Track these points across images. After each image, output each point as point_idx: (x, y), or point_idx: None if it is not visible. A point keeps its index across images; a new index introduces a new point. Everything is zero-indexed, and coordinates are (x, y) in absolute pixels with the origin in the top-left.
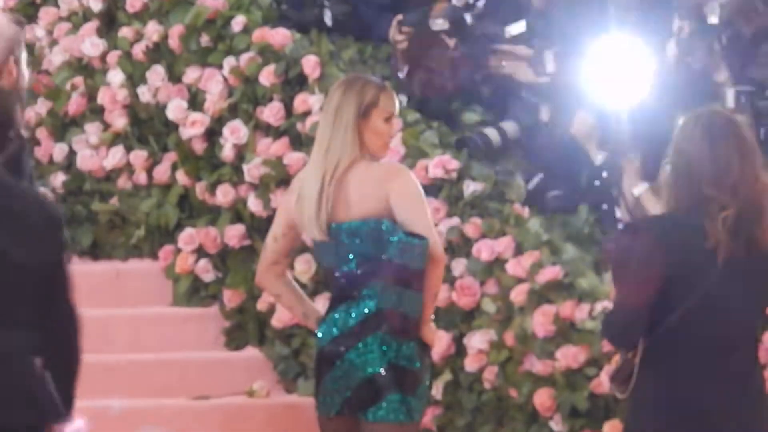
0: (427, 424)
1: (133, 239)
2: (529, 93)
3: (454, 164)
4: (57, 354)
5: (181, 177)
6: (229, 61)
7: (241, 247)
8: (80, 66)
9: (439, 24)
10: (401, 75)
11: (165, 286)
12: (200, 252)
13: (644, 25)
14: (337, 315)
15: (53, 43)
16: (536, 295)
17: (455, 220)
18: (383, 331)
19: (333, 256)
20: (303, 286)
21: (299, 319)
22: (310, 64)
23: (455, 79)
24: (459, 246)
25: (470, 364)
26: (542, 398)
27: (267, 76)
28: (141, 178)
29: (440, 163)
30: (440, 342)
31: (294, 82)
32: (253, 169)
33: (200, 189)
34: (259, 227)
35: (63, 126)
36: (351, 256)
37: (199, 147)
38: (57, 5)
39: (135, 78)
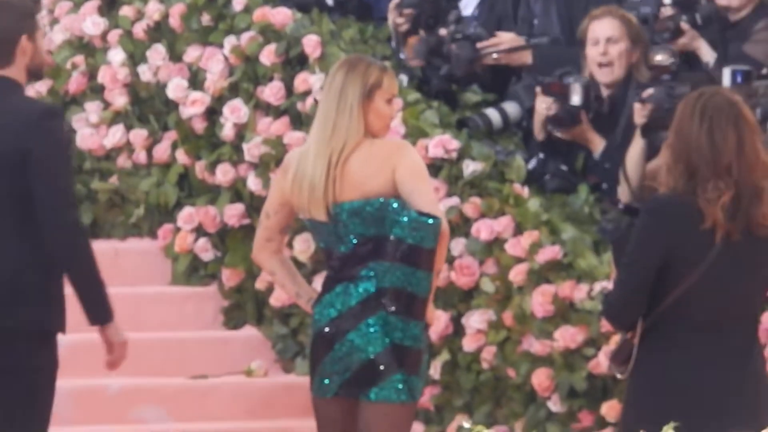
0: (424, 403)
1: (133, 218)
2: (530, 75)
3: (454, 144)
4: (66, 268)
5: (181, 156)
6: (229, 41)
7: (241, 226)
8: (81, 45)
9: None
10: (402, 56)
11: (164, 265)
12: (199, 231)
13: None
14: (334, 296)
15: (54, 21)
16: (535, 275)
17: (455, 200)
18: (388, 311)
19: (332, 236)
20: (302, 265)
21: (292, 297)
22: (310, 44)
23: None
24: (458, 225)
25: (468, 344)
26: (540, 378)
27: (268, 56)
28: (141, 157)
29: (440, 143)
30: (438, 321)
31: (294, 62)
32: (253, 149)
33: (200, 168)
34: (258, 206)
35: (63, 105)
36: (351, 237)
37: (199, 126)
38: None
39: (136, 57)
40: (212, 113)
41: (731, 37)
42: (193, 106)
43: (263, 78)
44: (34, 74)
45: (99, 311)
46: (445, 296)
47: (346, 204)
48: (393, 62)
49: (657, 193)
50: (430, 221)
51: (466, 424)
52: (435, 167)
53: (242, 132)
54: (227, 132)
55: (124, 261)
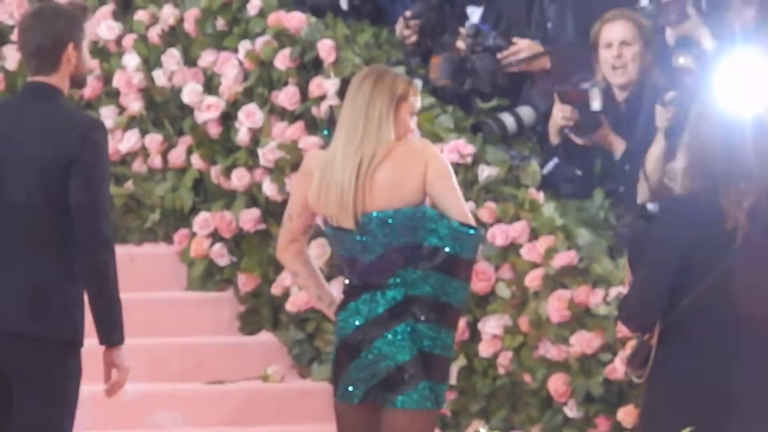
0: (441, 409)
1: (148, 223)
2: (545, 78)
3: (469, 149)
4: (90, 282)
5: (196, 161)
6: (244, 45)
7: (256, 231)
8: (96, 49)
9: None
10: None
11: (180, 271)
12: (215, 236)
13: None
14: (360, 303)
15: None
16: (551, 280)
17: (470, 205)
18: (420, 320)
19: (357, 245)
20: None
21: (313, 300)
22: (325, 48)
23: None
24: None
25: (485, 350)
26: (556, 384)
27: (282, 60)
28: (156, 161)
29: (455, 148)
30: None
31: (309, 66)
32: (268, 153)
33: (215, 173)
34: (274, 211)
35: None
36: (378, 246)
37: (214, 131)
38: None
39: (150, 61)
40: (227, 118)
41: None
42: (208, 111)
43: (278, 82)
44: (78, 83)
45: (112, 331)
46: None
47: (375, 213)
48: (406, 67)
49: (675, 193)
50: (471, 232)
51: (483, 430)
52: None
53: (257, 137)
54: (242, 137)
55: (139, 266)
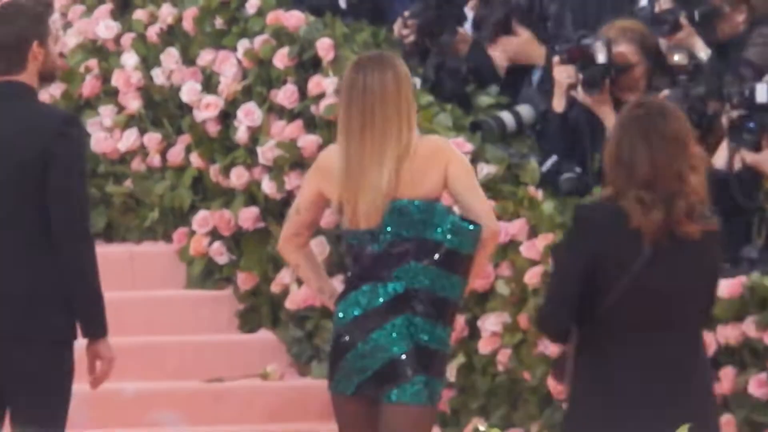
0: (441, 406)
1: (147, 222)
2: (545, 77)
3: (468, 147)
4: (70, 276)
5: (195, 159)
6: (243, 44)
7: (255, 230)
8: (94, 48)
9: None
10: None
11: (179, 269)
12: (214, 234)
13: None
14: (360, 294)
15: (67, 25)
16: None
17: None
18: (417, 314)
19: (366, 234)
20: None
21: (314, 292)
22: (324, 47)
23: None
24: None
25: (484, 347)
26: None
27: (281, 59)
28: (155, 160)
29: (454, 146)
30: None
31: (308, 65)
32: (267, 152)
33: (214, 171)
34: (273, 210)
35: (77, 108)
36: (386, 236)
37: (213, 129)
38: None
39: (149, 60)
40: (226, 117)
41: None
42: (206, 110)
43: (276, 81)
44: (46, 78)
45: (94, 324)
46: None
47: (396, 202)
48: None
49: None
50: (471, 227)
51: (482, 427)
52: None
53: (256, 135)
54: (241, 135)
55: (138, 265)
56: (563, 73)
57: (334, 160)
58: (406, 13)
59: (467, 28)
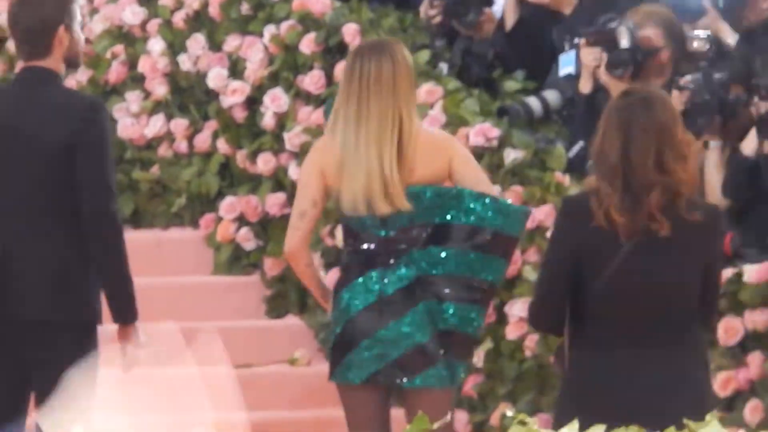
0: (468, 392)
1: (174, 208)
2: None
3: (495, 132)
4: (100, 261)
5: (222, 145)
6: (269, 29)
7: (282, 215)
8: (120, 34)
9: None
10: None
11: (206, 255)
12: (241, 220)
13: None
14: (369, 281)
15: (93, 11)
16: None
17: (496, 188)
18: (444, 298)
19: (371, 219)
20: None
21: (318, 298)
22: (350, 32)
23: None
24: None
25: (511, 332)
26: None
27: (307, 44)
28: (182, 146)
29: (481, 131)
30: None
31: (334, 50)
32: (293, 138)
33: (241, 157)
34: None
35: (104, 94)
36: (400, 220)
37: (239, 115)
38: None
39: (175, 46)
40: (252, 102)
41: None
42: (233, 96)
43: (303, 67)
44: (72, 64)
45: (125, 309)
46: None
47: (411, 187)
48: (432, 51)
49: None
50: (517, 208)
51: (510, 413)
52: (476, 155)
53: (283, 121)
54: (268, 121)
55: (166, 251)
56: (590, 56)
57: (331, 149)
58: None
59: (495, 10)
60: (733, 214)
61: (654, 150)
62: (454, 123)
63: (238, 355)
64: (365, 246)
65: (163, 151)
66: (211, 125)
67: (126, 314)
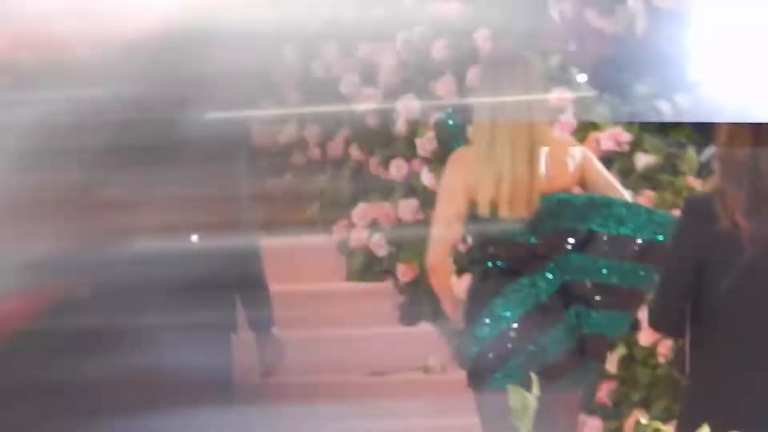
0: (602, 398)
1: (308, 214)
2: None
3: (626, 136)
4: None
5: (355, 152)
6: (401, 35)
7: (415, 221)
8: None
9: None
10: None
11: (339, 262)
12: (374, 227)
13: None
14: (521, 288)
15: None
16: None
17: (628, 193)
18: (590, 305)
19: (518, 225)
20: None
21: (449, 303)
22: (481, 37)
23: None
24: None
25: (644, 338)
26: None
27: (438, 50)
28: (315, 153)
29: (612, 136)
30: None
31: (465, 56)
32: (426, 144)
33: (374, 164)
34: (432, 201)
35: None
36: (545, 228)
37: (372, 122)
38: None
39: (308, 52)
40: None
41: None
42: (365, 102)
43: (435, 72)
44: None
45: (262, 317)
46: None
47: (549, 195)
48: (562, 56)
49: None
50: (670, 218)
51: (644, 420)
52: (607, 160)
53: (415, 127)
54: (400, 127)
55: (299, 258)
56: None
57: (471, 158)
58: None
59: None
60: None
61: None
62: (585, 127)
63: (371, 362)
64: (514, 254)
65: (296, 157)
66: (344, 132)
67: (263, 322)
